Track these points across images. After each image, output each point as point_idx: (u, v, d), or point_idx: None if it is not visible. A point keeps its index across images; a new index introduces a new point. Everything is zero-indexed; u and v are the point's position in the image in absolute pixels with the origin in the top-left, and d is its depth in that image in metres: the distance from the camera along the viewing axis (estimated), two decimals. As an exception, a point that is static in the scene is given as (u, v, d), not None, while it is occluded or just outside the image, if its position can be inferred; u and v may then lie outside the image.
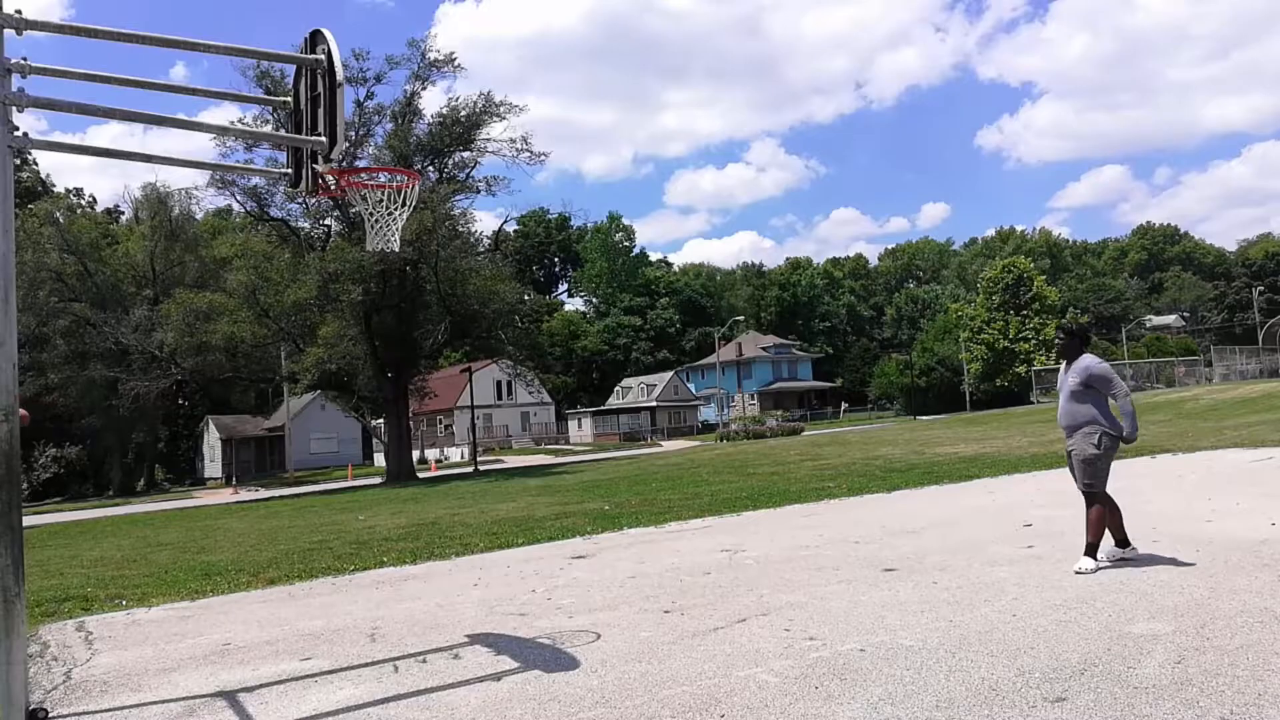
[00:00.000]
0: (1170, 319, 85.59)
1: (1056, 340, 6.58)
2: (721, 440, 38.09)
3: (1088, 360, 6.27)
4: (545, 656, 4.97)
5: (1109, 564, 6.16)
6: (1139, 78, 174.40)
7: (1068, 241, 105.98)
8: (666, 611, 5.76)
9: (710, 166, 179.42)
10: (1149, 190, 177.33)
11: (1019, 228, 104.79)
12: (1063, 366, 6.49)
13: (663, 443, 54.49)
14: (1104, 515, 6.19)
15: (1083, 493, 6.29)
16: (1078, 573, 5.91)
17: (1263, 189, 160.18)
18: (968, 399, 61.67)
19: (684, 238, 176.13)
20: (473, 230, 35.07)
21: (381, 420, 36.15)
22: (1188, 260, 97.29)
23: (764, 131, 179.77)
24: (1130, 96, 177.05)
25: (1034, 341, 60.04)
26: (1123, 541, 6.34)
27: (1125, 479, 11.32)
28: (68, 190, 62.11)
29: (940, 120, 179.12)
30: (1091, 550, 6.08)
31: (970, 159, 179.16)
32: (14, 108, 4.28)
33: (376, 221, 7.59)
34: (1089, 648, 4.26)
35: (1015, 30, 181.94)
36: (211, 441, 60.09)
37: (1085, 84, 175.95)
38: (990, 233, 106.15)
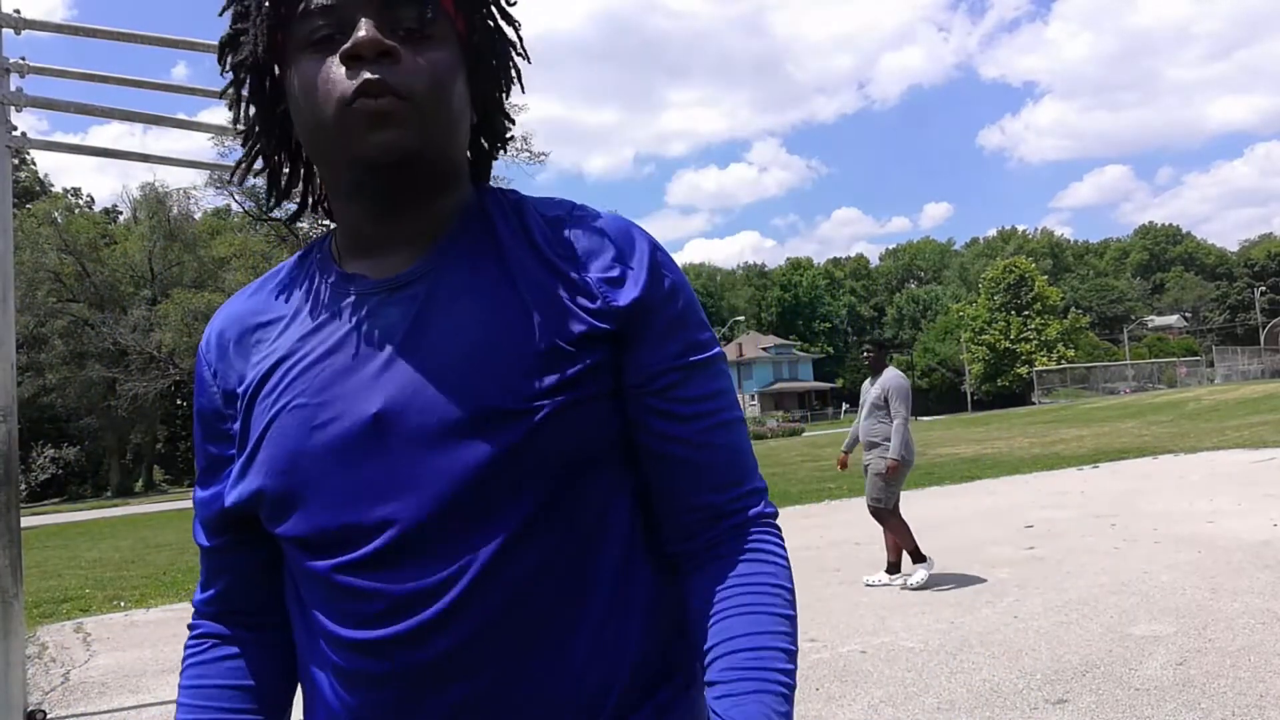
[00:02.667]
0: (1172, 319, 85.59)
1: (864, 355, 6.40)
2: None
3: (889, 374, 6.12)
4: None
5: (879, 584, 6.12)
6: (1141, 77, 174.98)
7: (1069, 241, 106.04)
8: (666, 613, 5.75)
9: (712, 166, 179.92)
10: (1151, 190, 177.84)
11: (1020, 228, 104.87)
12: (869, 380, 6.33)
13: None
14: (905, 530, 6.07)
15: (870, 511, 6.13)
16: (906, 586, 5.92)
17: (1265, 189, 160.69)
18: (969, 400, 61.70)
19: (685, 237, 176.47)
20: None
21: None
22: (1190, 260, 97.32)
23: (765, 131, 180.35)
24: (1133, 96, 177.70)
25: (1035, 342, 60.09)
26: (894, 567, 6.23)
27: (1127, 479, 11.31)
28: (66, 190, 62.16)
29: (942, 120, 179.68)
30: (915, 557, 6.02)
31: (972, 159, 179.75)
32: (13, 107, 4.27)
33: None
34: (1090, 649, 4.24)
35: (1017, 30, 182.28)
36: (211, 442, 60.04)
37: (1088, 83, 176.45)
38: (992, 233, 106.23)
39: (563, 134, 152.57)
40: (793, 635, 0.80)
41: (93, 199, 64.94)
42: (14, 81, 4.29)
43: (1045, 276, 67.61)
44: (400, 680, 0.74)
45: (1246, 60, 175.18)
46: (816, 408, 76.21)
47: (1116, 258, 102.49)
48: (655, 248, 0.82)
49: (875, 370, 6.24)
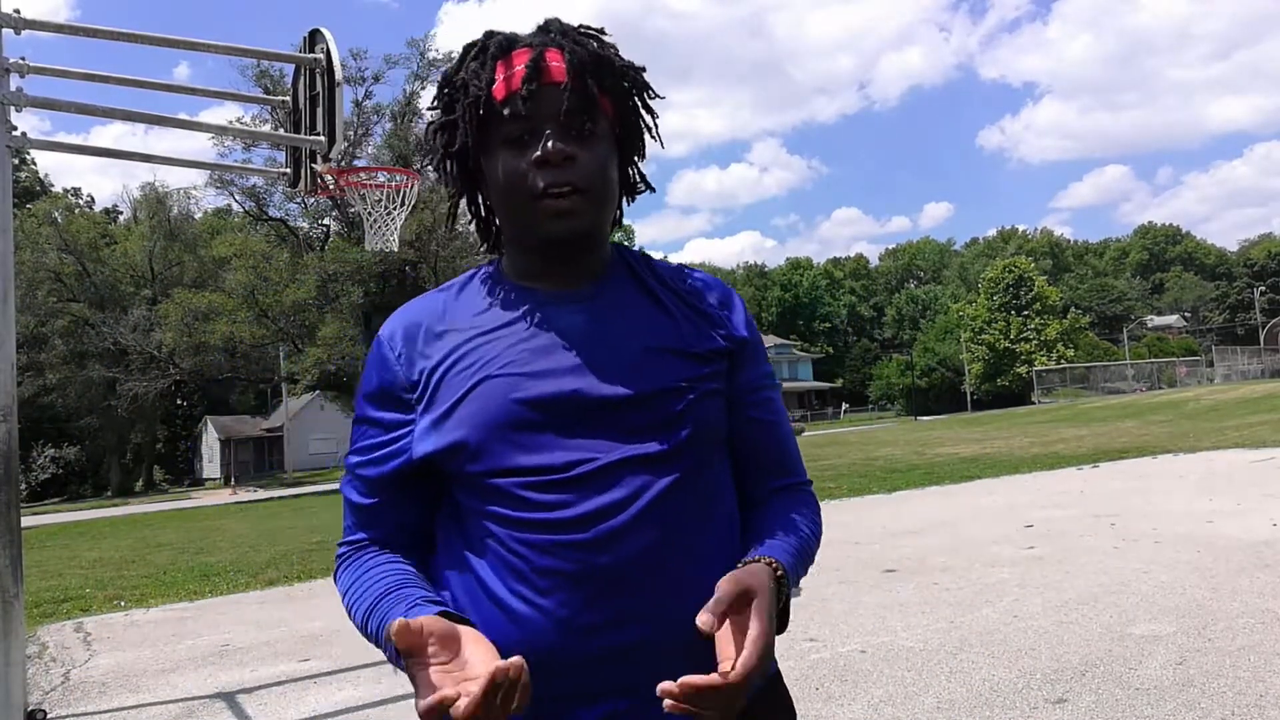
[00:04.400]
0: (1172, 319, 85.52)
1: None
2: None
3: None
4: (545, 658, 4.95)
5: None
6: (1142, 77, 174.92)
7: (1069, 241, 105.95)
8: (666, 612, 5.75)
9: (713, 166, 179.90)
10: (1151, 190, 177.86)
11: (1020, 227, 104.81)
12: None
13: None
14: None
15: None
16: None
17: (1265, 189, 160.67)
18: (968, 399, 61.67)
19: (686, 237, 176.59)
20: (473, 230, 34.99)
21: (381, 420, 36.08)
22: (1189, 260, 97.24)
23: (766, 131, 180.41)
24: (1133, 96, 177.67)
25: (1035, 342, 60.03)
26: None
27: (1127, 479, 11.31)
28: (66, 190, 62.11)
29: (943, 120, 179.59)
30: None
31: (972, 159, 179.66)
32: (13, 107, 4.27)
33: (375, 221, 7.58)
34: (1090, 649, 4.25)
35: (1018, 30, 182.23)
36: (210, 442, 60.03)
37: (1088, 84, 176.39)
38: (992, 233, 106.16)
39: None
40: (815, 536, 1.15)
41: (93, 199, 64.92)
42: (14, 81, 4.29)
43: (1045, 276, 67.53)
44: (593, 577, 0.98)
45: (1247, 61, 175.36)
46: (816, 407, 76.19)
47: (1116, 258, 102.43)
48: (744, 304, 1.18)
49: None
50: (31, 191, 53.60)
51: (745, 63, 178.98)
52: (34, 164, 54.74)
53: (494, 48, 1.05)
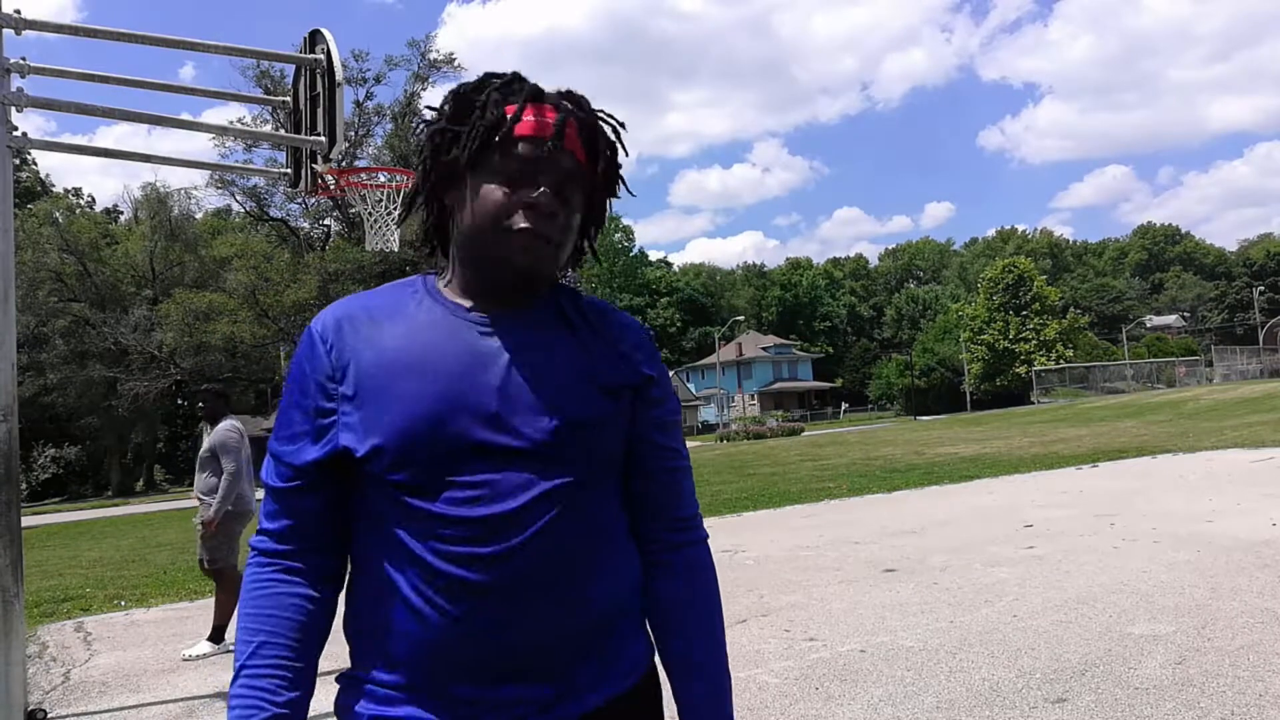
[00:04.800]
0: (1171, 319, 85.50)
1: (199, 407, 6.08)
2: (721, 440, 38.08)
3: (223, 427, 5.80)
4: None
5: (197, 655, 5.64)
6: (1142, 78, 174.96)
7: (1069, 241, 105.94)
8: (666, 612, 5.75)
9: (716, 166, 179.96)
10: (1151, 190, 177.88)
11: (1020, 227, 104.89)
12: (206, 428, 5.97)
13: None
14: (232, 594, 5.63)
15: (202, 570, 5.89)
16: (185, 658, 5.58)
17: (1264, 189, 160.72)
18: (968, 399, 61.69)
19: (687, 238, 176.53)
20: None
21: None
22: (1188, 260, 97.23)
23: (767, 132, 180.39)
24: (1134, 97, 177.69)
25: (1034, 342, 60.02)
26: (220, 631, 5.76)
27: (1126, 479, 11.31)
28: (67, 190, 62.11)
29: (944, 120, 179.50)
30: (217, 634, 5.71)
31: (974, 159, 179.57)
32: (13, 108, 4.27)
33: (376, 221, 7.58)
34: (1090, 648, 4.25)
35: (1019, 31, 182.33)
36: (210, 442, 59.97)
37: (1088, 84, 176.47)
38: (991, 233, 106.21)
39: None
40: (724, 641, 1.24)
41: (94, 199, 64.87)
42: (15, 81, 4.30)
43: (1044, 276, 67.53)
44: (494, 586, 1.05)
45: (1247, 61, 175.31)
46: (816, 407, 76.17)
47: (1115, 257, 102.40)
48: (655, 344, 1.25)
49: (211, 421, 5.88)
50: (32, 192, 53.58)
51: (748, 63, 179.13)
52: (35, 164, 54.72)
53: (528, 91, 1.13)
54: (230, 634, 5.73)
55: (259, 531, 1.15)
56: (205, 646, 5.73)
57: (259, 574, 1.13)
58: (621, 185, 1.23)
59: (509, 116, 1.11)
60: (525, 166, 1.10)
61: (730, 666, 1.24)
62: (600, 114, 1.19)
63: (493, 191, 1.10)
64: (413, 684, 1.08)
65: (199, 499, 5.80)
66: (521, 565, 1.05)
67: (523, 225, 1.09)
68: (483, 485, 1.06)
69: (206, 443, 5.83)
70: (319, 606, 1.15)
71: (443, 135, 1.14)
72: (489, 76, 1.17)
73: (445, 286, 1.18)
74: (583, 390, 1.12)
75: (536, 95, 1.14)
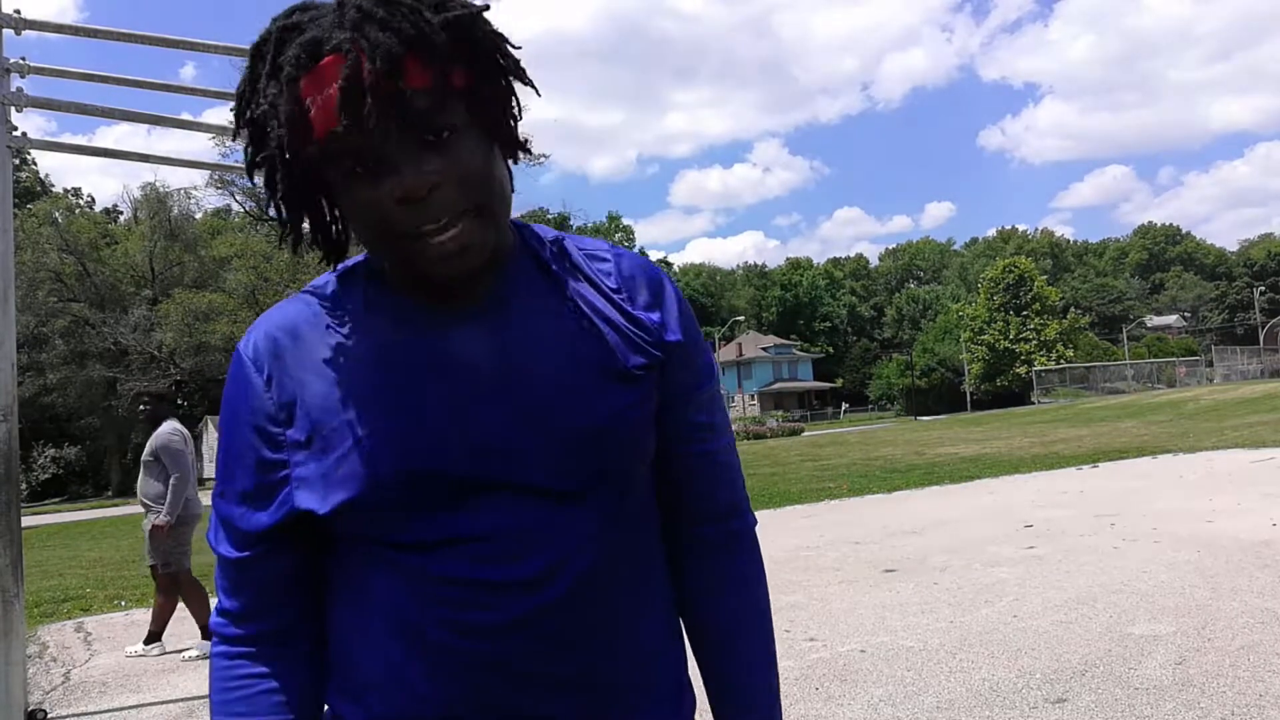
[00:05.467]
0: (1171, 319, 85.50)
1: (141, 410, 5.96)
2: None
3: (165, 429, 5.72)
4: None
5: (196, 655, 5.58)
6: (1143, 78, 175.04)
7: (1069, 241, 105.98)
8: (666, 612, 5.75)
9: (716, 166, 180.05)
10: (1152, 190, 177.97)
11: (1021, 227, 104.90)
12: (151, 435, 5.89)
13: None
14: (171, 604, 5.72)
15: (152, 575, 5.84)
16: (129, 655, 5.62)
17: (1265, 189, 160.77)
18: (968, 400, 61.67)
19: (688, 237, 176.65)
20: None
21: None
22: (1189, 260, 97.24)
23: (767, 132, 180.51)
24: (1134, 97, 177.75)
25: (1035, 342, 60.01)
26: (156, 635, 5.83)
27: (1127, 479, 11.31)
28: (66, 190, 62.13)
29: (945, 120, 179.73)
30: (153, 638, 5.73)
31: (974, 159, 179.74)
32: (13, 108, 4.27)
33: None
34: (1090, 649, 4.25)
35: (1019, 31, 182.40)
36: (211, 442, 60.01)
37: (1089, 84, 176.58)
38: (992, 233, 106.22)
39: (566, 135, 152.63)
40: (769, 613, 1.03)
41: (93, 199, 64.90)
42: (15, 81, 4.29)
43: (1045, 276, 67.52)
44: (509, 659, 0.83)
45: (1248, 61, 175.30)
46: (816, 407, 76.18)
47: (1116, 258, 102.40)
48: (679, 295, 0.96)
49: (152, 424, 5.81)
50: (32, 192, 53.60)
51: (749, 63, 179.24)
52: (34, 164, 54.74)
53: (289, 65, 0.77)
54: (195, 643, 5.74)
55: (218, 611, 0.93)
56: (139, 647, 5.74)
57: (227, 670, 0.90)
58: (504, 60, 0.83)
59: (300, 112, 0.77)
60: (363, 155, 0.77)
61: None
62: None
63: (362, 203, 0.79)
64: None
65: (143, 504, 5.75)
66: (544, 629, 0.83)
67: (411, 226, 0.78)
68: (485, 535, 0.82)
69: (149, 446, 5.74)
70: (305, 698, 0.91)
71: (259, 169, 0.83)
72: (253, 58, 0.81)
73: (392, 278, 0.88)
74: (594, 382, 0.86)
75: (311, 51, 0.76)
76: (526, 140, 0.88)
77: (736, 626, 0.99)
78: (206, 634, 5.68)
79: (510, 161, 0.88)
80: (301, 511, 0.85)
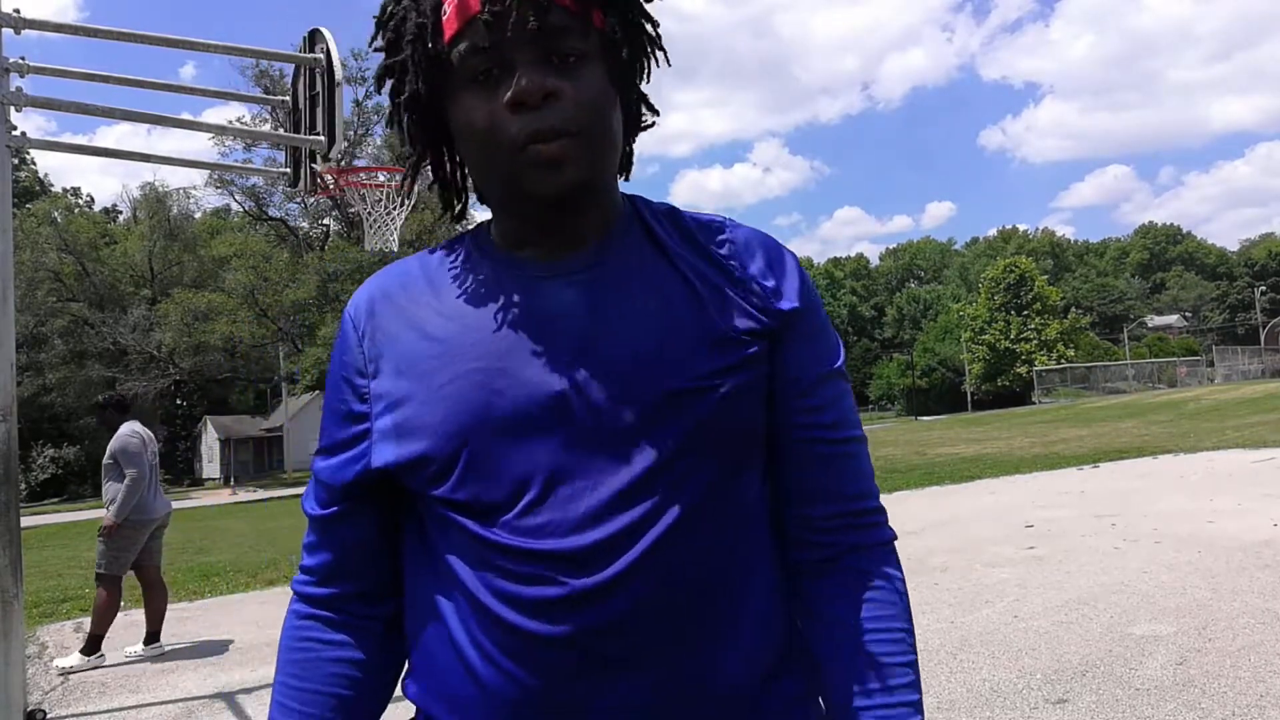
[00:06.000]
0: (1172, 319, 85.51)
1: (99, 421, 6.05)
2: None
3: (121, 432, 5.74)
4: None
5: (137, 658, 5.63)
6: (1144, 78, 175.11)
7: (1070, 241, 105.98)
8: (667, 612, 5.74)
9: (717, 166, 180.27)
10: (1152, 190, 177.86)
11: (1021, 227, 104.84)
12: None
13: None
14: (112, 605, 5.69)
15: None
16: (62, 670, 5.44)
17: (1266, 189, 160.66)
18: (969, 399, 61.67)
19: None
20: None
21: (381, 420, 36.13)
22: (1190, 260, 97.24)
23: (768, 132, 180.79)
24: (1135, 97, 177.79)
25: (1035, 342, 60.02)
26: (153, 636, 5.82)
27: (1127, 479, 11.30)
28: (66, 190, 62.15)
29: (945, 120, 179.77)
30: (94, 643, 5.60)
31: (975, 159, 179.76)
32: (13, 107, 4.27)
33: (375, 221, 7.59)
34: (1091, 649, 4.24)
35: (1020, 30, 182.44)
36: (209, 442, 60.01)
37: (1090, 84, 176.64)
38: (992, 232, 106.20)
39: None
40: (916, 684, 0.84)
41: (93, 199, 64.96)
42: (14, 81, 4.29)
43: (1045, 276, 67.52)
44: (575, 642, 0.77)
45: (1248, 61, 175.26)
46: (816, 407, 76.03)
47: (1116, 257, 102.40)
48: (800, 265, 0.89)
49: (110, 431, 5.86)
50: (31, 191, 53.62)
51: (750, 63, 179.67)
52: (34, 164, 54.77)
53: None
54: (105, 645, 5.73)
55: (300, 569, 0.94)
56: (76, 658, 5.61)
57: (296, 628, 0.91)
58: (649, 28, 0.86)
59: (433, 8, 0.81)
60: (487, 59, 0.78)
61: None
62: None
63: (472, 111, 0.80)
64: None
65: (106, 507, 5.76)
66: (611, 611, 0.77)
67: (521, 134, 0.78)
68: (551, 501, 0.78)
69: (108, 450, 5.75)
70: (370, 675, 0.91)
71: (388, 75, 0.86)
72: None
73: (496, 235, 0.89)
74: (688, 345, 0.80)
75: None
76: (649, 105, 0.90)
77: (861, 640, 0.84)
78: (89, 648, 5.62)
79: (629, 136, 0.90)
80: (379, 469, 0.84)
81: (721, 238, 0.88)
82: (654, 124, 0.92)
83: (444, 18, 0.80)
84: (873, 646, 0.83)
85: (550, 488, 0.78)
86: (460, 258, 0.89)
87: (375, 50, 0.87)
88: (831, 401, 0.87)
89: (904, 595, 0.87)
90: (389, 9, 0.85)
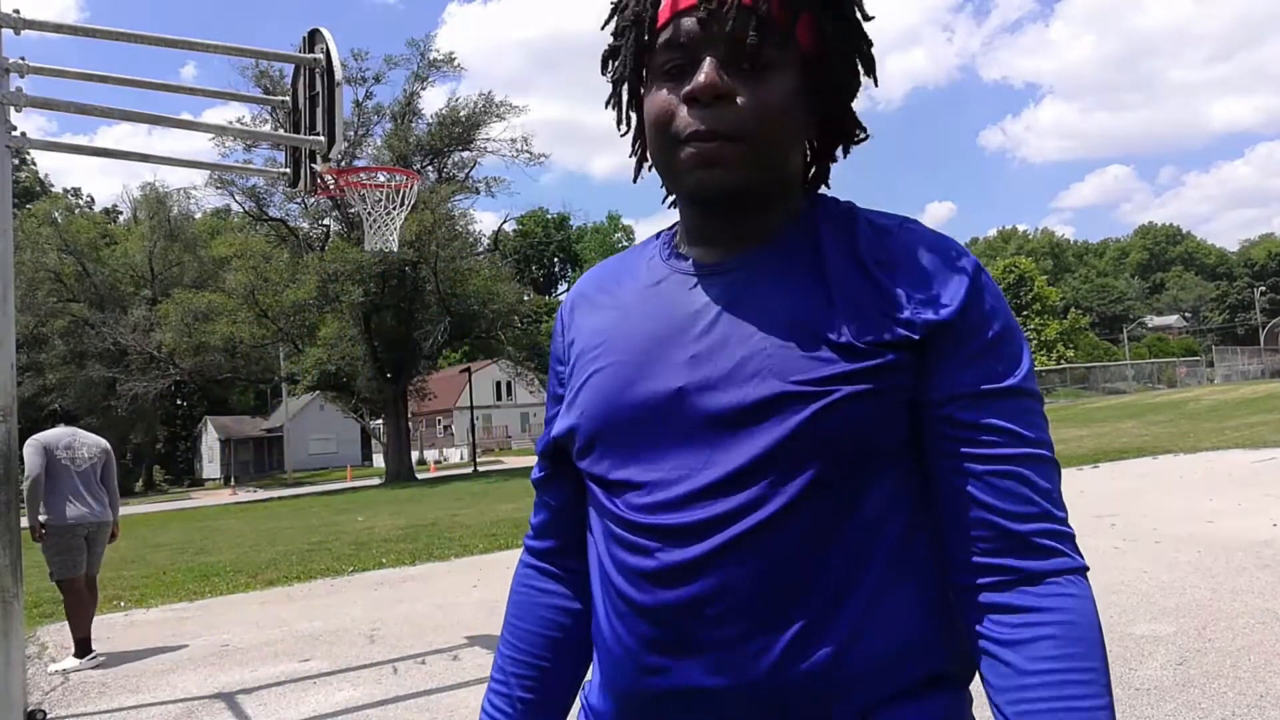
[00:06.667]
0: (1172, 319, 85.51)
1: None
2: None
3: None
4: (545, 658, 4.95)
5: (77, 669, 5.63)
6: (1144, 78, 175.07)
7: (1070, 242, 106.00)
8: (666, 612, 5.74)
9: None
10: (1153, 190, 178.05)
11: (1021, 227, 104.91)
12: None
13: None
14: (77, 606, 5.74)
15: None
16: (61, 673, 5.52)
17: (1265, 189, 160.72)
18: (968, 399, 61.58)
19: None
20: (472, 230, 35.10)
21: (380, 421, 36.12)
22: (1189, 260, 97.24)
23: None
24: (1135, 97, 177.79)
25: (1035, 342, 60.01)
26: (83, 645, 5.77)
27: (1127, 479, 11.30)
28: (66, 190, 62.18)
29: (946, 120, 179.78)
30: (82, 646, 5.72)
31: (974, 159, 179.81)
32: (12, 108, 4.27)
33: (375, 221, 7.58)
34: (1090, 649, 4.24)
35: (1020, 31, 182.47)
36: (210, 442, 60.04)
37: (1090, 84, 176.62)
38: (992, 233, 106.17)
39: (568, 135, 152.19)
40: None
41: (93, 199, 64.99)
42: (14, 81, 4.29)
43: (1045, 276, 67.54)
44: (659, 614, 0.82)
45: (1249, 61, 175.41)
46: (816, 408, 76.12)
47: (1116, 258, 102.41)
48: (979, 273, 0.84)
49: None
50: (31, 192, 53.63)
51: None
52: (34, 164, 54.78)
53: None
54: (98, 645, 5.87)
55: (526, 538, 1.10)
56: (71, 662, 5.65)
57: (521, 575, 1.07)
58: (858, 32, 0.88)
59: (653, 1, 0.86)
60: (683, 53, 0.83)
61: None
62: None
63: (656, 100, 0.85)
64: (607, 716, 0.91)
65: None
66: (691, 589, 0.80)
67: (688, 130, 0.82)
68: (655, 481, 0.84)
69: None
70: (578, 622, 1.02)
71: (611, 56, 0.93)
72: None
73: (679, 233, 0.96)
74: (803, 350, 0.81)
75: None
76: (857, 121, 0.92)
77: (1027, 681, 0.75)
78: (80, 651, 5.69)
79: (841, 147, 0.94)
80: (555, 439, 0.97)
81: (887, 242, 0.86)
82: (864, 139, 0.93)
83: (660, 8, 0.85)
84: (1056, 691, 0.74)
85: (663, 471, 0.84)
86: (646, 255, 0.97)
87: (603, 30, 0.94)
88: (993, 420, 0.81)
89: (1093, 629, 0.77)
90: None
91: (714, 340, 0.85)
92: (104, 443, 6.10)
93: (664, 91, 0.84)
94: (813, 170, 0.95)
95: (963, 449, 0.81)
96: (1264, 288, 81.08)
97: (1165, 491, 9.77)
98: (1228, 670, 3.79)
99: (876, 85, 0.91)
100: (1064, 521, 0.81)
